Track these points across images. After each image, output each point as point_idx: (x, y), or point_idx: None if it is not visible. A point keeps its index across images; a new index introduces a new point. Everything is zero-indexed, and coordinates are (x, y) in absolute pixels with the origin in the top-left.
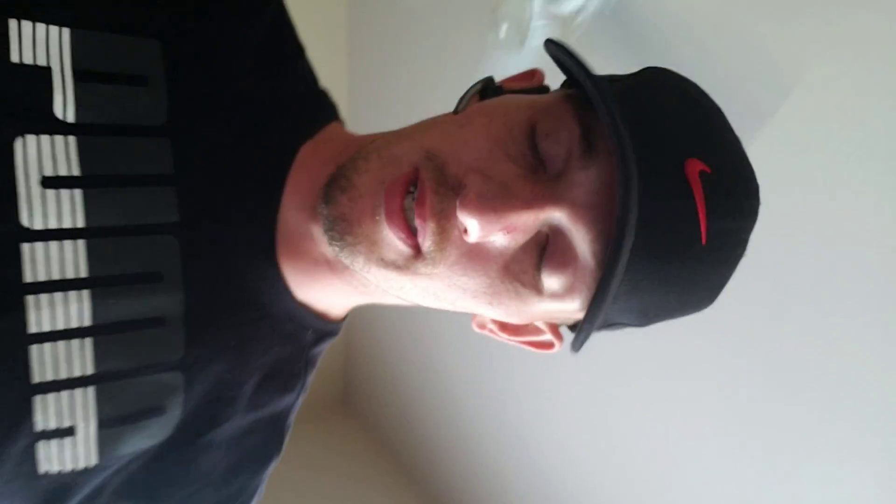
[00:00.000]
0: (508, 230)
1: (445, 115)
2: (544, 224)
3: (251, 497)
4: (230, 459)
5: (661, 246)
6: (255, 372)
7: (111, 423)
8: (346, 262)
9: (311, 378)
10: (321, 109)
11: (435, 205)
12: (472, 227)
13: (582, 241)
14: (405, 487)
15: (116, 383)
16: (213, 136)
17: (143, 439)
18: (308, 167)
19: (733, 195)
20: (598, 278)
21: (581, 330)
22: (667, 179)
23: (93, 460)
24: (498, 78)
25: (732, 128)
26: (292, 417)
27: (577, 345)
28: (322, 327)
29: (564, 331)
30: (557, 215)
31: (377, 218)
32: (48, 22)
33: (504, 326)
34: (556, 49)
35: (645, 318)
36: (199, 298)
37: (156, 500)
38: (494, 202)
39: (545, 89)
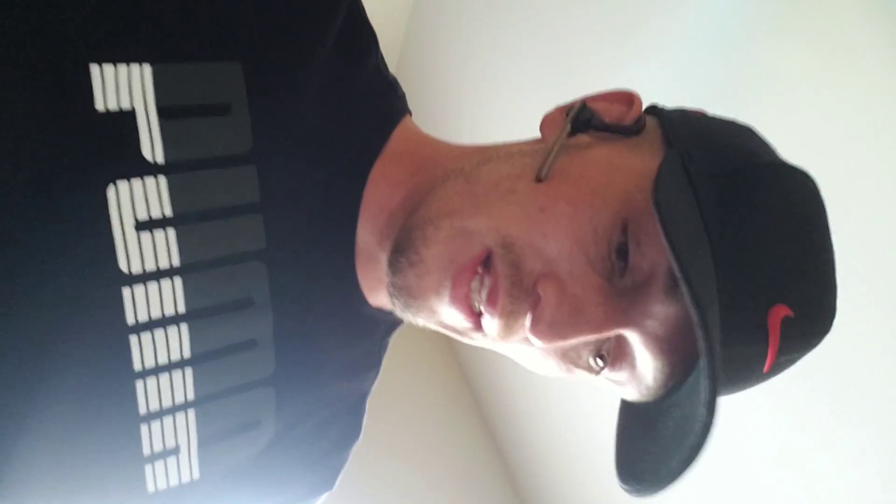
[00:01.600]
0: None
1: (523, 179)
2: (608, 338)
3: (337, 476)
4: (321, 446)
5: (727, 382)
6: (338, 371)
7: (210, 441)
8: (409, 317)
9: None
10: (393, 106)
11: (506, 306)
12: (539, 344)
13: (645, 365)
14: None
15: (214, 404)
16: (294, 156)
17: (240, 451)
18: (380, 185)
19: (807, 336)
20: (655, 394)
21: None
22: (748, 332)
23: (195, 475)
24: None
25: (831, 241)
26: (367, 399)
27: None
28: (393, 320)
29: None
30: (627, 334)
31: (443, 298)
32: (128, 61)
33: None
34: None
35: None
36: (286, 318)
37: (261, 499)
38: (565, 330)
39: (639, 128)
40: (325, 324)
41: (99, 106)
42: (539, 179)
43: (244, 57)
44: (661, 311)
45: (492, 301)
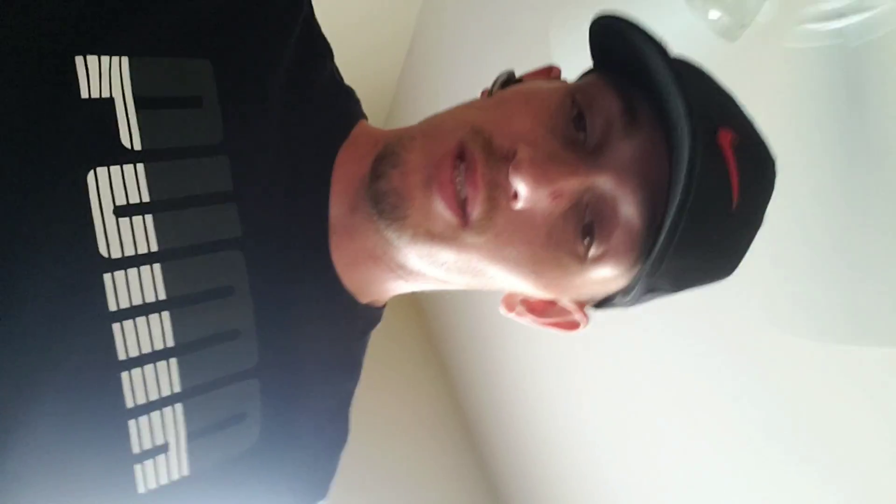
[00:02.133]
0: (555, 195)
1: (478, 100)
2: (587, 191)
3: (329, 484)
4: (311, 451)
5: (703, 208)
6: (323, 366)
7: (199, 434)
8: (393, 237)
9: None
10: (352, 108)
11: (486, 174)
12: (524, 190)
13: (629, 205)
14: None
15: (200, 397)
16: (263, 147)
17: (229, 446)
18: (347, 164)
19: (759, 163)
20: (646, 239)
21: (636, 284)
22: (706, 147)
23: (185, 471)
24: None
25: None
26: (351, 402)
27: (632, 301)
28: (369, 316)
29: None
30: (602, 181)
31: (427, 190)
32: (109, 53)
33: (532, 307)
34: (610, 19)
35: (678, 283)
36: (267, 306)
37: (252, 499)
38: (545, 166)
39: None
40: (305, 312)
41: (83, 94)
42: (490, 94)
43: (213, 55)
44: (627, 145)
45: (471, 171)
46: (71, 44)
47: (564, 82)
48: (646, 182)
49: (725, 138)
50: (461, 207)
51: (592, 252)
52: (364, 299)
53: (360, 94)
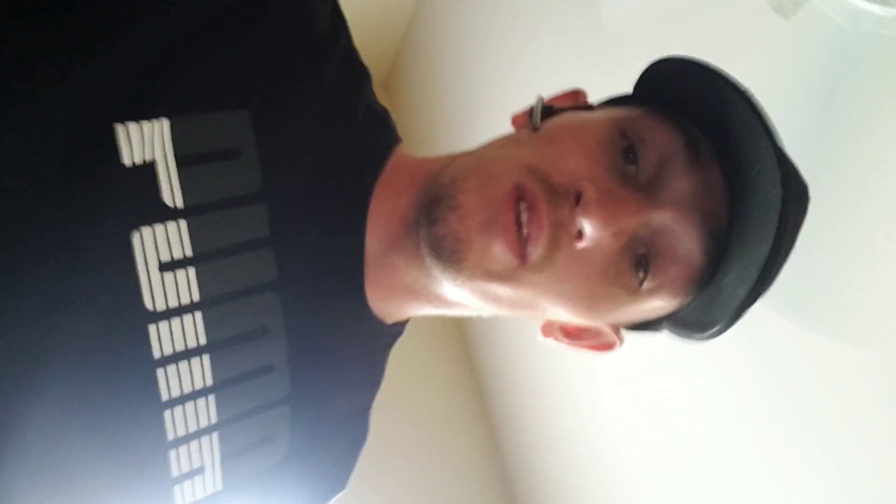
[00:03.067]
0: (619, 233)
1: (522, 134)
2: (645, 226)
3: (349, 476)
4: (332, 453)
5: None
6: (349, 382)
7: (232, 456)
8: (448, 278)
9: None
10: (387, 135)
11: (550, 213)
12: (590, 230)
13: (690, 241)
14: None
15: (235, 425)
16: (300, 190)
17: (259, 463)
18: (384, 200)
19: (798, 195)
20: (704, 272)
21: (731, 315)
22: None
23: (219, 486)
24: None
25: None
26: (371, 408)
27: (718, 332)
28: (394, 332)
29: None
30: (661, 217)
31: (487, 233)
32: (150, 118)
33: (568, 332)
34: (671, 62)
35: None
36: (299, 343)
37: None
38: (611, 206)
39: (590, 107)
40: (336, 343)
41: (126, 161)
42: (535, 130)
43: (251, 104)
44: (687, 181)
45: (536, 212)
46: (111, 112)
47: (604, 111)
48: (707, 217)
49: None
50: (522, 248)
51: (647, 285)
52: (390, 321)
53: (365, 42)
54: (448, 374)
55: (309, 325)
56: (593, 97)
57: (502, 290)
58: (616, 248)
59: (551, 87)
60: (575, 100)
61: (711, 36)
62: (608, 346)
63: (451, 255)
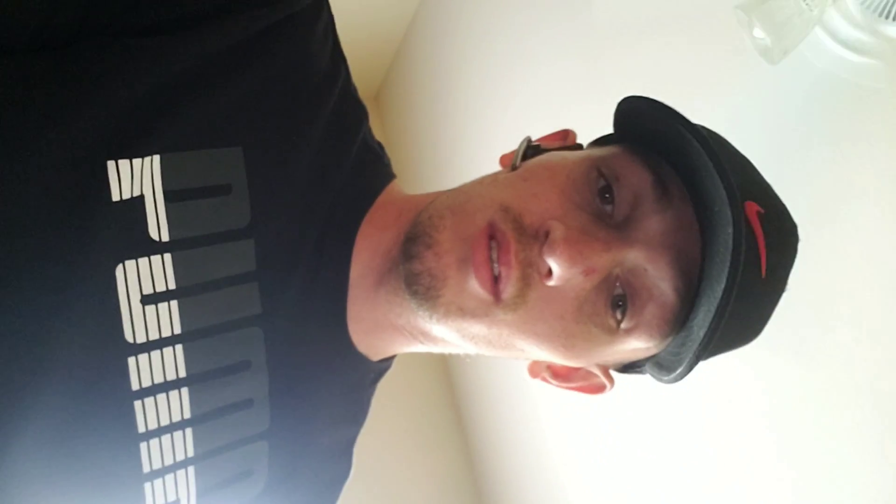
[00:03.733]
0: (588, 271)
1: (501, 173)
2: (618, 265)
3: None
4: (314, 489)
5: (741, 285)
6: (328, 423)
7: (207, 491)
8: (425, 315)
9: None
10: (379, 173)
11: (518, 252)
12: (557, 269)
13: (662, 280)
14: None
15: (212, 460)
16: (287, 226)
17: (236, 498)
18: (370, 235)
19: (783, 233)
20: (679, 311)
21: (690, 358)
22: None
23: None
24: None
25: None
26: (355, 445)
27: (680, 375)
28: (379, 369)
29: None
30: (633, 256)
31: (461, 270)
32: (142, 156)
33: (556, 373)
34: (636, 100)
35: (709, 354)
36: (281, 377)
37: None
38: (578, 245)
39: (579, 147)
40: (318, 379)
41: (115, 197)
42: (514, 168)
43: (245, 142)
44: (657, 220)
45: (505, 251)
46: (104, 150)
47: (584, 150)
48: (678, 256)
49: (752, 210)
50: (495, 286)
51: (624, 325)
52: (376, 358)
53: (358, 54)
54: (427, 401)
55: (291, 360)
56: (583, 120)
57: (477, 327)
58: (589, 286)
59: (540, 104)
60: (563, 140)
61: (691, 68)
62: (598, 389)
63: (427, 292)
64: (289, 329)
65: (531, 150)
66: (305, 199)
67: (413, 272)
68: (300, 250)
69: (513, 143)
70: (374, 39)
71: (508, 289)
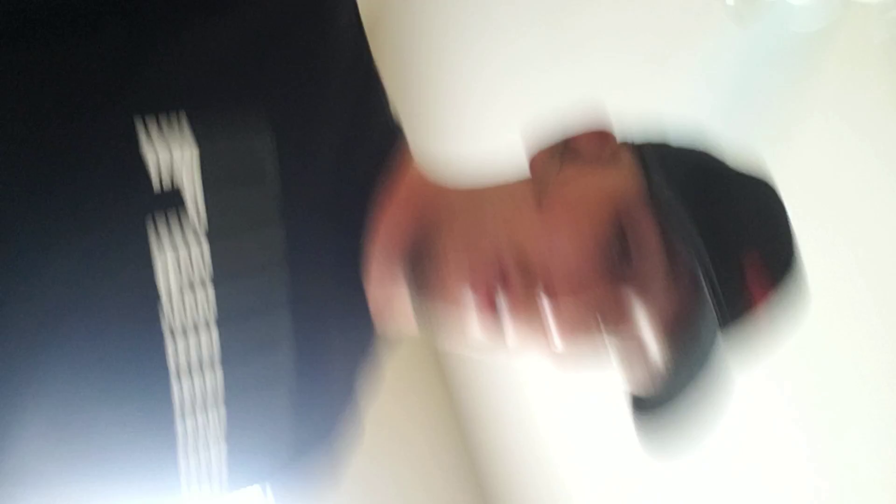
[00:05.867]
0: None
1: (527, 197)
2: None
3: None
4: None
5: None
6: (353, 385)
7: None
8: (429, 332)
9: None
10: (398, 149)
11: (522, 313)
12: (560, 344)
13: (655, 345)
14: None
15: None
16: (315, 210)
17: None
18: (388, 224)
19: (785, 273)
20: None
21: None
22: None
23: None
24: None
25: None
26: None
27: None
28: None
29: None
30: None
31: (467, 307)
32: (181, 147)
33: None
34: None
35: None
36: (307, 357)
37: None
38: (583, 328)
39: (615, 159)
40: (341, 356)
41: (156, 188)
42: (539, 205)
43: (277, 128)
44: (666, 302)
45: (512, 295)
46: (139, 139)
47: (621, 175)
48: (680, 334)
49: (751, 259)
50: (497, 323)
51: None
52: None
53: None
54: (428, 400)
55: (318, 342)
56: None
57: (478, 354)
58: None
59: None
60: (601, 147)
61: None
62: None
63: (432, 321)
64: (315, 315)
65: (567, 155)
66: (331, 184)
67: (420, 300)
68: (326, 233)
69: (506, 81)
70: None
71: (510, 339)
